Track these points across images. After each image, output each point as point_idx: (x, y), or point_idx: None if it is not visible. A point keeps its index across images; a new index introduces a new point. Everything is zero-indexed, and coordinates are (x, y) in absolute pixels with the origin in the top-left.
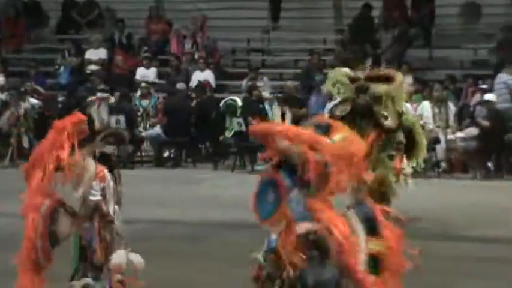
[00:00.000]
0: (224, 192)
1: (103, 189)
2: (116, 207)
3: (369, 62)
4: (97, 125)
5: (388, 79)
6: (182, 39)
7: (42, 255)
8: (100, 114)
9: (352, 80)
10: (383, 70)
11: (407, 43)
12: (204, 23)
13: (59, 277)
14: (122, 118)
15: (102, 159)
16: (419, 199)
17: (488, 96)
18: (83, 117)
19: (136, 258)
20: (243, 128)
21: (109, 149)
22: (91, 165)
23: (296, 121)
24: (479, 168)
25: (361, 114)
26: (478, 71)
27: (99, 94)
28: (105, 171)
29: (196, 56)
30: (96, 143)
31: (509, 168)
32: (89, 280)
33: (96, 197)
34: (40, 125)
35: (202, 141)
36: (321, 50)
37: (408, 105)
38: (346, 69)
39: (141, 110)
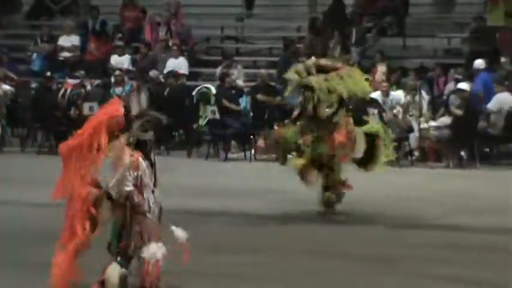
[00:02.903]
0: (197, 180)
1: (137, 178)
2: (156, 191)
3: (337, 51)
4: (134, 111)
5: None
6: (156, 27)
7: (83, 240)
8: (139, 101)
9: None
10: (331, 61)
11: (381, 32)
12: (178, 10)
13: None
14: (95, 105)
15: (139, 145)
16: (393, 187)
17: (462, 85)
18: (121, 111)
19: (178, 232)
20: (217, 116)
21: (147, 136)
22: (126, 155)
23: (271, 109)
24: (452, 157)
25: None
26: (451, 60)
27: (153, 73)
28: (140, 159)
29: (170, 43)
30: (134, 131)
31: (482, 157)
32: (125, 271)
33: (129, 187)
34: (12, 111)
35: (176, 128)
36: (295, 38)
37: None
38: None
39: (115, 97)
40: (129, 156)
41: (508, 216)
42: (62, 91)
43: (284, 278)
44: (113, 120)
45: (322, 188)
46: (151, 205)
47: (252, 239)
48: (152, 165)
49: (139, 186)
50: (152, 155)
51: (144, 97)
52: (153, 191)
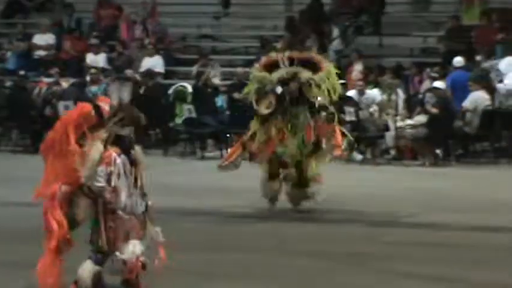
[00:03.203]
0: (174, 178)
1: (109, 174)
2: (135, 189)
3: (314, 49)
4: (113, 104)
5: (314, 64)
6: (132, 25)
7: (62, 239)
8: (120, 94)
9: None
10: (309, 54)
11: (357, 31)
12: (154, 8)
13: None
14: (70, 104)
15: (117, 141)
16: (368, 185)
17: (437, 84)
18: (89, 107)
19: (156, 234)
20: (193, 115)
21: (124, 131)
22: (95, 151)
23: (244, 107)
24: (428, 155)
25: (294, 100)
26: (427, 58)
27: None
28: (114, 155)
29: (146, 42)
30: (110, 126)
31: (457, 155)
32: (99, 268)
33: (100, 183)
34: None
35: (152, 127)
36: (271, 36)
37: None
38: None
39: (91, 95)
40: (101, 152)
41: (483, 214)
42: (37, 90)
43: (255, 276)
44: (81, 117)
45: (292, 184)
46: (128, 202)
47: (225, 237)
48: (132, 162)
49: (112, 183)
50: (134, 152)
51: (126, 91)
52: (136, 188)
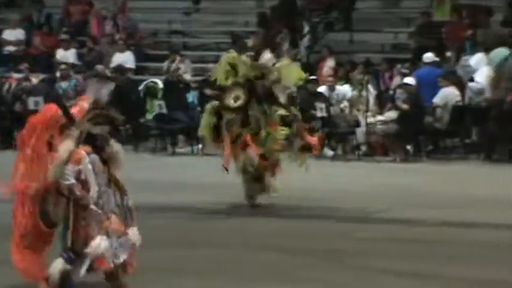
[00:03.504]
0: (144, 174)
1: (78, 172)
2: (108, 188)
3: (286, 45)
4: (91, 99)
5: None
6: (102, 21)
7: (34, 236)
8: (97, 93)
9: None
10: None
11: (328, 27)
12: (124, 4)
13: None
14: (40, 100)
15: (89, 139)
16: (339, 181)
17: (408, 80)
18: (54, 109)
19: (134, 236)
20: (164, 111)
21: (97, 129)
22: (63, 150)
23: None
24: (398, 151)
25: (262, 98)
26: (398, 54)
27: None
28: (83, 154)
29: (116, 38)
30: (82, 124)
31: (428, 151)
32: (68, 267)
33: (69, 181)
34: None
35: (122, 123)
36: (242, 32)
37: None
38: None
39: (61, 91)
40: (70, 150)
41: (455, 210)
42: (7, 86)
43: (225, 272)
44: (49, 118)
45: (251, 179)
46: (100, 201)
47: (195, 233)
48: (105, 161)
49: (82, 180)
50: (110, 151)
51: (105, 90)
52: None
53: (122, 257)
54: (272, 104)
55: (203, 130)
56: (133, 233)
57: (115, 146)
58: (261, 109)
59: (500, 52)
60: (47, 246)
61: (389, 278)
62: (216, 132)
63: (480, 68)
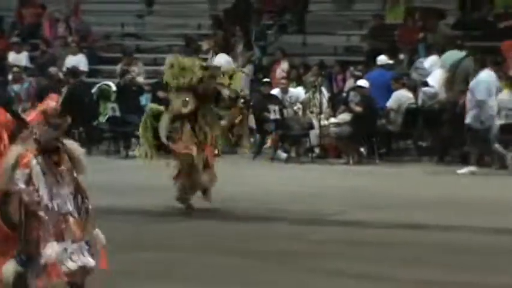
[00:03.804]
0: (97, 177)
1: (27, 176)
2: (59, 190)
3: (240, 47)
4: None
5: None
6: (55, 23)
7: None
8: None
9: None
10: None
11: (281, 29)
12: (77, 6)
13: None
14: None
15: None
16: (293, 183)
17: (361, 82)
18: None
19: (99, 237)
20: (117, 113)
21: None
22: (10, 155)
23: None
24: (352, 154)
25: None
26: (351, 57)
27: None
28: (31, 157)
29: (69, 40)
30: (34, 127)
31: (381, 153)
32: (21, 269)
33: (17, 185)
34: None
35: (75, 126)
36: (195, 35)
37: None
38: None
39: (13, 94)
40: (17, 155)
41: (409, 212)
42: None
43: (178, 276)
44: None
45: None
46: (51, 204)
47: (147, 236)
48: (57, 163)
49: (31, 185)
50: (61, 155)
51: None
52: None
53: (81, 261)
54: (218, 104)
55: (143, 133)
56: (97, 236)
57: (78, 149)
58: (209, 113)
59: (453, 54)
60: (15, 249)
61: (343, 279)
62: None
63: (434, 71)
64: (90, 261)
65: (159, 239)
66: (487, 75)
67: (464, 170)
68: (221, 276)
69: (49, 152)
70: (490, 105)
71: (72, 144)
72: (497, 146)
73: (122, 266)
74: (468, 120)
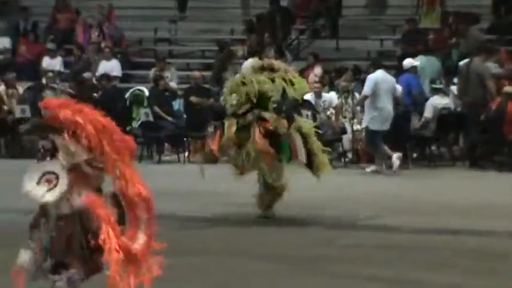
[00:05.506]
0: None
1: None
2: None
3: (271, 52)
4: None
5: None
6: (88, 29)
7: None
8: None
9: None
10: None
11: (314, 34)
12: (110, 12)
13: None
14: (27, 108)
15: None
16: (325, 188)
17: None
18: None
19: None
20: (150, 118)
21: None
22: None
23: (201, 111)
24: (384, 159)
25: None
26: (384, 61)
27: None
28: None
29: (102, 46)
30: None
31: (414, 158)
32: None
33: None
34: None
35: None
36: (228, 40)
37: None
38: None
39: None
40: None
41: (439, 217)
42: None
43: (210, 281)
44: None
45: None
46: None
47: (180, 241)
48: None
49: None
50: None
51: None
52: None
53: None
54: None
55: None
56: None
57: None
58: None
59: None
60: None
61: (375, 284)
62: None
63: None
64: None
65: (191, 244)
66: None
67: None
68: (251, 282)
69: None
70: None
71: None
72: None
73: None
74: None
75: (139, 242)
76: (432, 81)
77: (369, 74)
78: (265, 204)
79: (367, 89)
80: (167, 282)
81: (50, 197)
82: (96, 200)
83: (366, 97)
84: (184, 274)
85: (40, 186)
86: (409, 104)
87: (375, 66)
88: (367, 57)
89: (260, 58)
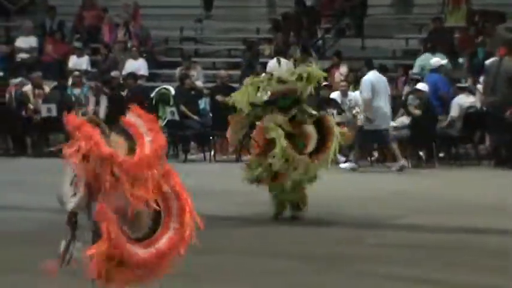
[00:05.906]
0: None
1: None
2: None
3: (297, 52)
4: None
5: None
6: (114, 28)
7: None
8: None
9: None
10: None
11: (339, 33)
12: (136, 11)
13: None
14: (53, 106)
15: None
16: (351, 187)
17: (420, 86)
18: None
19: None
20: (176, 117)
21: None
22: None
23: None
24: (410, 157)
25: None
26: (410, 60)
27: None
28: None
29: (128, 45)
30: None
31: (440, 157)
32: None
33: None
34: None
35: None
36: (254, 39)
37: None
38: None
39: (73, 99)
40: None
41: (467, 216)
42: (8, 94)
43: (238, 279)
44: None
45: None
46: None
47: (203, 239)
48: None
49: None
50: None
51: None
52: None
53: None
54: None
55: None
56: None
57: None
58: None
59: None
60: None
61: (398, 284)
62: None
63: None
64: None
65: (214, 242)
66: None
67: None
68: (277, 279)
69: None
70: None
71: None
72: None
73: (177, 269)
74: None
75: (159, 243)
76: (457, 81)
77: (363, 74)
78: (292, 205)
79: (367, 92)
80: (190, 279)
81: (72, 203)
82: (105, 212)
83: (370, 100)
84: (206, 271)
85: (71, 189)
86: (436, 104)
87: (368, 67)
88: (393, 56)
89: (286, 57)
